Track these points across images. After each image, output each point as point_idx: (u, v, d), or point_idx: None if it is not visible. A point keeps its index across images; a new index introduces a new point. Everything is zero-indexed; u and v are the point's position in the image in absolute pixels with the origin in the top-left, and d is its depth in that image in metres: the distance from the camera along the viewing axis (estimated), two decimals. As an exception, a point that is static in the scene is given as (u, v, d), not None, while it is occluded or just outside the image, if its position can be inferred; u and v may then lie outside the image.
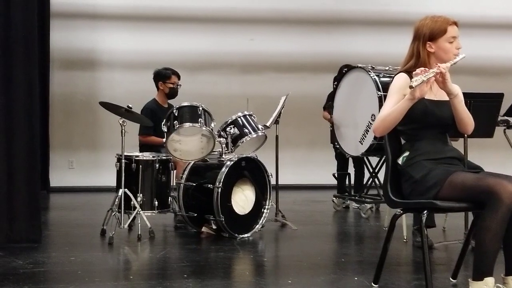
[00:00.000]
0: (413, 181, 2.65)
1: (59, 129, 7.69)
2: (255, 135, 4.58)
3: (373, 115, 5.06)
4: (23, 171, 3.86)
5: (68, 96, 7.71)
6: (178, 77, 5.18)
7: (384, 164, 5.23)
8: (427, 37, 2.71)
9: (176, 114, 4.36)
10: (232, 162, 4.31)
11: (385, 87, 4.96)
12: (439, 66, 2.62)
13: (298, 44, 8.01)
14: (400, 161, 2.74)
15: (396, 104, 2.64)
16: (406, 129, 2.74)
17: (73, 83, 7.70)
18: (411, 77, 2.68)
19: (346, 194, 5.99)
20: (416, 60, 2.75)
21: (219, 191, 4.19)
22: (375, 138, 5.00)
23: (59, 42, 7.63)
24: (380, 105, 4.94)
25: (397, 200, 2.71)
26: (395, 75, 2.80)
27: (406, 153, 2.73)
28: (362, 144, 5.22)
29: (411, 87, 2.50)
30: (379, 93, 4.98)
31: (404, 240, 4.15)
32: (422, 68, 2.57)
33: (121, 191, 4.24)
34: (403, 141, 2.81)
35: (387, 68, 5.31)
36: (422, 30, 2.73)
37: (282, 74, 7.99)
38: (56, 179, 7.58)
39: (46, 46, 7.45)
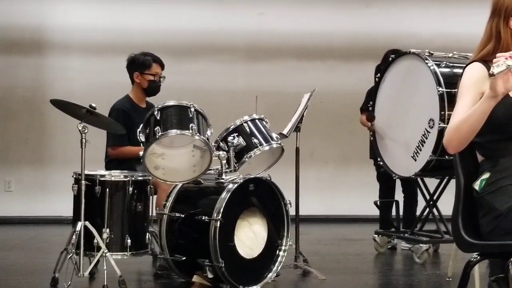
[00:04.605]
0: (496, 214, 2.62)
1: (-7, 136, 7.71)
2: (267, 148, 4.57)
3: (431, 119, 5.07)
4: None
5: (6, 91, 7.73)
6: (162, 66, 5.18)
7: (445, 188, 5.39)
8: (511, 10, 2.70)
9: (158, 117, 4.35)
10: (235, 185, 4.30)
11: (449, 81, 5.01)
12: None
13: (326, 21, 8.02)
14: (477, 186, 2.72)
15: (472, 105, 2.61)
16: (485, 141, 2.72)
17: (12, 73, 7.74)
18: (489, 68, 2.66)
19: (393, 229, 5.96)
20: (496, 43, 2.74)
21: (218, 225, 4.17)
22: (434, 152, 5.02)
23: (-5, 17, 7.67)
24: (442, 106, 4.96)
25: (473, 241, 2.67)
26: (467, 65, 2.79)
27: (486, 175, 2.70)
28: (415, 160, 5.22)
29: (491, 74, 2.48)
30: (440, 89, 5.00)
31: (477, 296, 4.12)
32: (509, 53, 2.54)
33: (80, 225, 4.22)
34: (480, 158, 2.78)
35: (450, 55, 5.33)
36: (504, 1, 2.72)
37: (304, 62, 8.00)
38: (-12, 206, 7.59)
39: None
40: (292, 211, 4.65)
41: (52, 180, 7.50)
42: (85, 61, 7.71)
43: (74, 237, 4.23)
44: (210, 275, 4.26)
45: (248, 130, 4.57)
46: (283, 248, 4.49)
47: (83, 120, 4.28)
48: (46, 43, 7.74)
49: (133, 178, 4.49)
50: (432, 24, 7.96)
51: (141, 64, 5.12)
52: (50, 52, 7.75)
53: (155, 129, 4.29)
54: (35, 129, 7.71)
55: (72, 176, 4.46)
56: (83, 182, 4.26)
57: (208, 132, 4.43)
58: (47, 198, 7.49)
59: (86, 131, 4.27)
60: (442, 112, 4.96)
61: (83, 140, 4.26)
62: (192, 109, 4.39)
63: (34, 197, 7.61)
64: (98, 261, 4.34)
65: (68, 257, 4.22)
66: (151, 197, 4.61)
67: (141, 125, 4.42)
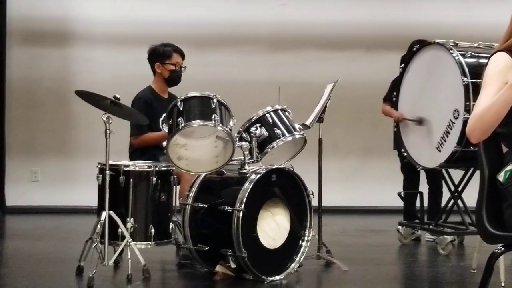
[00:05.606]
0: (521, 206, 2.60)
1: (18, 127, 7.78)
2: (290, 138, 4.57)
3: (456, 110, 5.03)
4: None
5: (31, 83, 7.79)
6: (182, 57, 5.19)
7: (470, 179, 5.36)
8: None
9: (181, 108, 4.36)
10: (258, 176, 4.31)
11: (474, 71, 4.96)
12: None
13: (348, 11, 7.98)
14: (501, 177, 2.70)
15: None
16: (509, 131, 2.70)
17: (37, 65, 7.79)
18: (514, 58, 2.64)
19: (417, 221, 5.94)
20: (522, 34, 2.71)
21: (241, 215, 4.18)
22: (459, 143, 4.98)
23: (19, 9, 7.72)
24: (467, 96, 4.92)
25: (497, 232, 2.66)
26: (492, 55, 2.77)
27: (510, 166, 2.68)
28: (440, 151, 5.19)
29: None
30: (464, 79, 4.96)
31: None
32: None
33: (104, 214, 4.26)
34: (505, 149, 2.76)
35: (475, 45, 5.29)
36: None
37: (326, 52, 7.97)
38: (14, 195, 7.68)
39: (1, 15, 7.54)
40: (315, 202, 4.65)
41: (77, 170, 7.55)
42: (109, 53, 7.75)
43: (99, 226, 4.27)
44: (233, 265, 4.28)
45: (271, 120, 4.57)
46: (306, 238, 4.50)
47: (107, 111, 4.31)
48: (70, 34, 7.79)
49: (156, 169, 4.52)
50: (457, 14, 7.89)
51: (161, 54, 5.13)
52: (74, 44, 7.80)
53: (178, 120, 4.30)
54: (60, 120, 7.77)
55: (97, 166, 4.51)
56: (107, 172, 4.28)
57: (231, 123, 4.45)
58: (72, 188, 7.55)
59: (110, 121, 4.30)
60: (467, 103, 4.92)
61: (108, 130, 4.28)
62: (215, 100, 4.40)
63: (59, 187, 7.67)
64: (122, 250, 4.38)
65: (93, 246, 4.26)
66: (174, 187, 4.63)
67: (164, 116, 4.44)
